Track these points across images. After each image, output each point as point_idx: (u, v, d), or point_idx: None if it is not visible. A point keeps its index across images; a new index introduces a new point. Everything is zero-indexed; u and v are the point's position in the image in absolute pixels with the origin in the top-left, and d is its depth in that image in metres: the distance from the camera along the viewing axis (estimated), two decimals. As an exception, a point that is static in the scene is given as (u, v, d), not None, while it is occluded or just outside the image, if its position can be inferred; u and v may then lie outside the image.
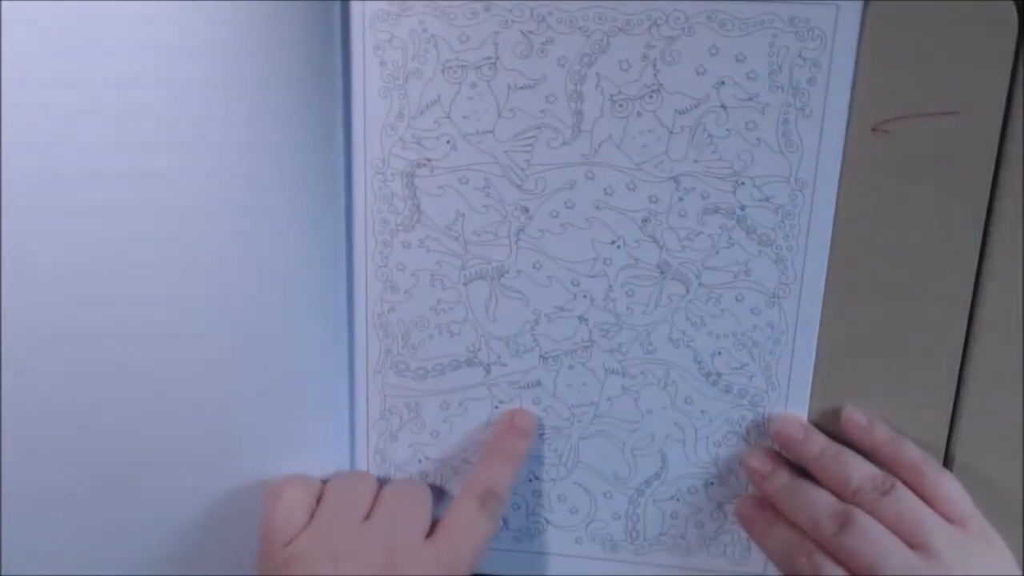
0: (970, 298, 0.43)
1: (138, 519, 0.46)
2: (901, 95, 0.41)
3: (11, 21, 0.40)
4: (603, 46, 0.42)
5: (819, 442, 0.45)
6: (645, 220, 0.44)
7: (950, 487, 0.43)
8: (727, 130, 0.42)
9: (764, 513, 0.45)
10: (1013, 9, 0.40)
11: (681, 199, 0.43)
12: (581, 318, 0.45)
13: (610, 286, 0.45)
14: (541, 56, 0.42)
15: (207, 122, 0.41)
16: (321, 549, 0.42)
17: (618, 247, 0.44)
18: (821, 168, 0.42)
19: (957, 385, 0.44)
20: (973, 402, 0.44)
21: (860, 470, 0.43)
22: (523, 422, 0.46)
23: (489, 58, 0.42)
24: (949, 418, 0.45)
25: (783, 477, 0.45)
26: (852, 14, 0.40)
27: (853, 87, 0.41)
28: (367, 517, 0.43)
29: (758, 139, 0.42)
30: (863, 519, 0.41)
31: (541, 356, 0.46)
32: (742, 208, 0.43)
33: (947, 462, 0.45)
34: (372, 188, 0.44)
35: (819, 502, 0.43)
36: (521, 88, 0.42)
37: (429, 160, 0.44)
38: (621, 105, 0.42)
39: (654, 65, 0.42)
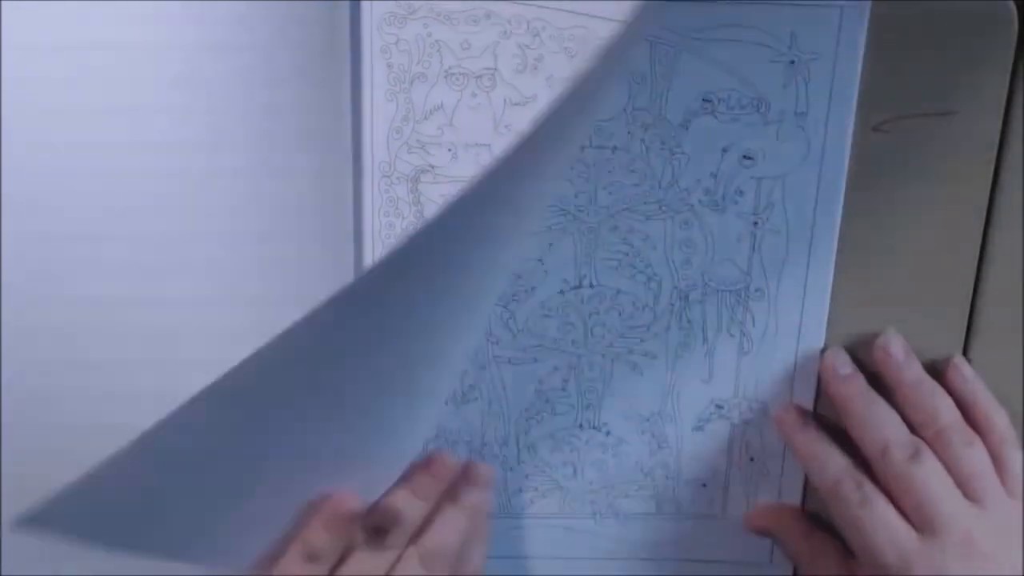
0: (970, 298, 0.43)
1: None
2: (901, 95, 0.41)
3: (12, 20, 0.40)
4: None
5: (918, 371, 0.43)
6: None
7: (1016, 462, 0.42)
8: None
9: (808, 425, 0.44)
10: (1013, 9, 0.39)
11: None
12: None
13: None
14: (533, 73, 0.42)
15: (217, 121, 0.41)
16: None
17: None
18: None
19: (957, 384, 0.44)
20: (973, 401, 0.45)
21: (953, 413, 0.42)
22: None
23: (489, 68, 0.42)
24: (949, 417, 0.45)
25: (861, 384, 0.43)
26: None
27: (853, 87, 0.41)
28: None
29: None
30: (932, 459, 0.41)
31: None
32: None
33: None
34: (379, 190, 0.44)
35: (893, 424, 0.42)
36: (516, 104, 0.42)
37: (432, 167, 0.43)
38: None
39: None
